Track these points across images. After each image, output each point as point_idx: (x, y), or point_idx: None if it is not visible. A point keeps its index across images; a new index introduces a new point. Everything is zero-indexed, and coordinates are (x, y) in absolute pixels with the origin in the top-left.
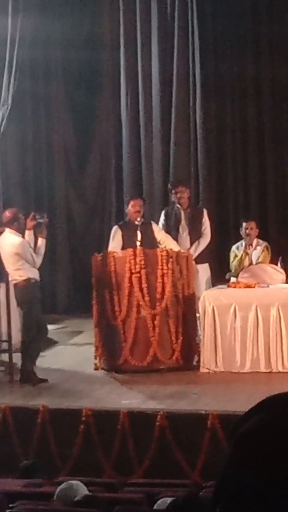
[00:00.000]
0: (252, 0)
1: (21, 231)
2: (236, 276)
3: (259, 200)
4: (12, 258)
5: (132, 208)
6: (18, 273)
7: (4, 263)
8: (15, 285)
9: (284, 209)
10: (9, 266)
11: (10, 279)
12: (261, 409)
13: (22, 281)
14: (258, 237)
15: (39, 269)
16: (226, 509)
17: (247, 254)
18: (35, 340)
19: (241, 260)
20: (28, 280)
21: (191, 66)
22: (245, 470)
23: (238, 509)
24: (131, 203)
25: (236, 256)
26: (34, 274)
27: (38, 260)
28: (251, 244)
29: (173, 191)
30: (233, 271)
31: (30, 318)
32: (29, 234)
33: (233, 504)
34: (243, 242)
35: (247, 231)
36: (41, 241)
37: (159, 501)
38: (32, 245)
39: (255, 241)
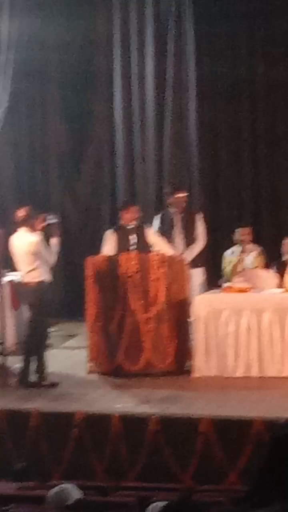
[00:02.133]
0: (247, 2)
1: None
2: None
3: (253, 204)
4: (28, 257)
5: (129, 215)
6: (32, 274)
7: (17, 263)
8: (26, 284)
9: (278, 213)
10: (23, 266)
11: (22, 279)
12: None
13: (35, 283)
14: (252, 241)
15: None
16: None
17: (242, 260)
18: (37, 343)
19: (235, 266)
20: (41, 282)
21: (185, 68)
22: (282, 468)
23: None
24: (131, 208)
25: (230, 261)
26: (48, 276)
27: (53, 259)
28: (244, 251)
29: (174, 194)
30: (227, 277)
31: (37, 321)
32: (39, 235)
33: (268, 498)
34: (234, 248)
35: (242, 237)
36: (55, 240)
37: (151, 505)
38: None
39: (249, 246)
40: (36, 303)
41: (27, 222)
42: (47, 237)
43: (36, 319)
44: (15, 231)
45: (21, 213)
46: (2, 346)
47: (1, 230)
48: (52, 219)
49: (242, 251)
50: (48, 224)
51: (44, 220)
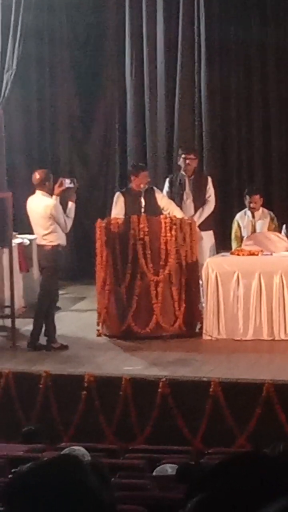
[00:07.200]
0: None
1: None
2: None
3: (263, 166)
4: (45, 220)
5: (142, 179)
6: (48, 237)
7: (33, 226)
8: (41, 247)
9: None
10: (39, 229)
11: (37, 242)
12: (198, 489)
13: (51, 246)
14: (263, 206)
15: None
16: None
17: (253, 225)
18: (48, 307)
19: (238, 232)
20: (56, 246)
21: (196, 30)
22: None
23: None
24: (142, 174)
25: (239, 226)
26: (63, 240)
27: (69, 224)
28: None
29: (183, 156)
30: (233, 244)
31: (49, 284)
32: (56, 199)
33: None
34: (246, 211)
35: (252, 205)
36: (71, 205)
37: (158, 468)
38: None
39: (260, 212)
40: (49, 266)
41: (44, 185)
42: (64, 202)
43: (47, 282)
44: (32, 193)
45: (37, 176)
46: (11, 309)
47: (10, 193)
48: (69, 184)
49: (253, 217)
50: (66, 189)
51: (62, 184)
